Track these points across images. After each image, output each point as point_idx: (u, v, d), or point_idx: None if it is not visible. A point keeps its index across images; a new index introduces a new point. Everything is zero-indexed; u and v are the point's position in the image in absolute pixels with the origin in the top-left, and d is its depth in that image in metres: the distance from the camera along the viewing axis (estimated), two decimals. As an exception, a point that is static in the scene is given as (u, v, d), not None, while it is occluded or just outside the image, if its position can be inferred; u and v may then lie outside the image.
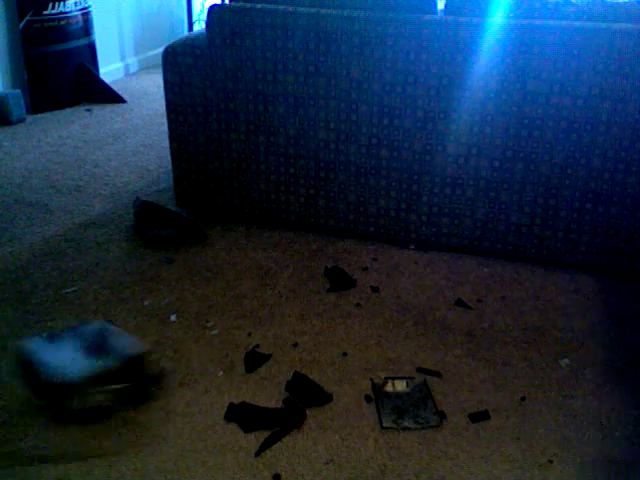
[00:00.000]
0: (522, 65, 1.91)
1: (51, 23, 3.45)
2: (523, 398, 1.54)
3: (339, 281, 2.01)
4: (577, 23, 1.89)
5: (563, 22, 1.90)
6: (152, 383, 1.53)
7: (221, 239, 2.25)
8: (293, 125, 2.16)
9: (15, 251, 2.14)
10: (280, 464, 1.32)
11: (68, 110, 3.60)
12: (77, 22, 3.61)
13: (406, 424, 1.43)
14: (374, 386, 1.54)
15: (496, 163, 2.04)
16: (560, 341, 1.76)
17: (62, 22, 3.51)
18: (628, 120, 1.89)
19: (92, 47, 3.81)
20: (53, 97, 3.58)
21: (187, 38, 2.28)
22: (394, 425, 1.43)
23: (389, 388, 1.53)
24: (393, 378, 1.57)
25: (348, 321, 1.82)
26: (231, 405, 1.47)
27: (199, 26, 4.93)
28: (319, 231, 2.31)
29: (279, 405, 1.48)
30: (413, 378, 1.58)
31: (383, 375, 1.59)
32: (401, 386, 1.54)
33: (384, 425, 1.43)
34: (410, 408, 1.48)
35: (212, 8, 2.12)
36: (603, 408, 1.51)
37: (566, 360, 1.68)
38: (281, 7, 2.06)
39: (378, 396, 1.51)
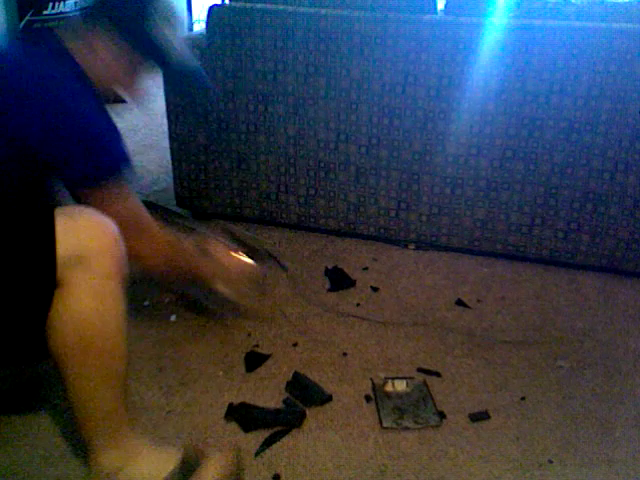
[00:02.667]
0: (522, 65, 1.91)
1: (51, 23, 3.45)
2: (523, 398, 1.54)
3: (339, 281, 2.01)
4: (577, 23, 1.89)
5: (563, 22, 1.90)
6: None
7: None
8: (293, 125, 2.16)
9: (15, 251, 2.13)
10: (280, 464, 1.32)
11: (68, 110, 3.59)
12: (77, 22, 3.61)
13: (406, 424, 1.43)
14: (374, 386, 1.54)
15: (496, 163, 2.04)
16: (560, 341, 1.76)
17: (62, 22, 3.50)
18: (628, 120, 1.89)
19: (92, 47, 3.80)
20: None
21: (187, 38, 2.28)
22: (394, 425, 1.43)
23: (389, 388, 1.53)
24: (393, 378, 1.56)
25: (348, 321, 1.81)
26: (231, 405, 1.47)
27: (199, 26, 4.93)
28: (319, 231, 2.31)
29: (279, 405, 1.48)
30: (413, 378, 1.58)
31: (383, 375, 1.59)
32: (401, 386, 1.54)
33: (384, 425, 1.43)
34: (410, 408, 1.48)
35: (212, 8, 2.12)
36: (603, 408, 1.51)
37: (566, 360, 1.68)
38: (281, 7, 2.06)
39: (378, 396, 1.51)
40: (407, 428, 1.42)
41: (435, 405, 1.49)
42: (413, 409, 1.48)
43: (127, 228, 1.19)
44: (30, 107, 1.15)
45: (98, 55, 1.27)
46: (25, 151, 1.16)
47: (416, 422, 1.44)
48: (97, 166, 1.22)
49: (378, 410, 1.47)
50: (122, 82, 1.34)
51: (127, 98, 1.39)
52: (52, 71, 1.20)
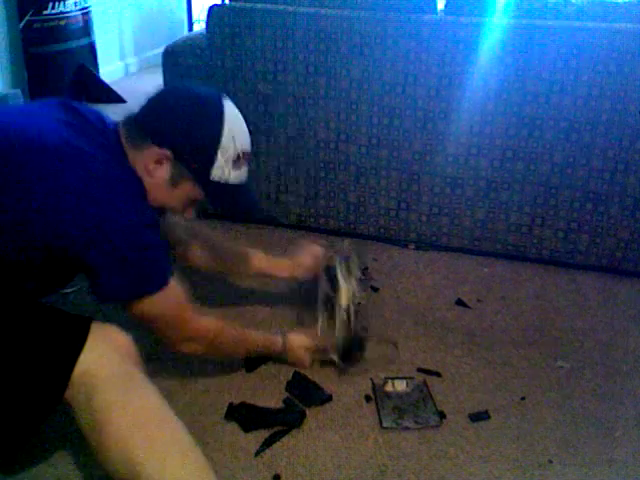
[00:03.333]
0: (522, 65, 1.91)
1: (51, 23, 3.45)
2: (523, 398, 1.54)
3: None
4: (577, 23, 1.89)
5: (563, 22, 1.90)
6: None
7: (221, 239, 2.25)
8: (293, 125, 2.16)
9: (15, 251, 2.13)
10: (280, 464, 1.32)
11: (68, 110, 3.58)
12: (77, 22, 3.61)
13: (406, 424, 1.43)
14: (374, 386, 1.54)
15: (496, 163, 2.04)
16: (560, 341, 1.76)
17: (62, 22, 3.50)
18: (628, 120, 1.89)
19: (92, 47, 3.80)
20: (53, 97, 3.57)
21: (187, 38, 2.28)
22: (394, 425, 1.43)
23: (389, 388, 1.53)
24: (393, 378, 1.56)
25: (348, 321, 1.81)
26: (231, 405, 1.47)
27: (199, 26, 4.93)
28: (319, 231, 2.31)
29: (279, 405, 1.48)
30: (413, 378, 1.57)
31: (383, 375, 1.59)
32: (401, 386, 1.54)
33: (384, 425, 1.43)
34: (410, 408, 1.48)
35: (212, 8, 2.12)
36: (603, 408, 1.51)
37: (566, 360, 1.68)
38: (281, 7, 2.06)
39: (378, 396, 1.51)
40: (407, 428, 1.42)
41: (435, 405, 1.49)
42: (413, 409, 1.48)
43: (160, 328, 1.24)
44: (84, 210, 1.10)
45: (153, 176, 1.23)
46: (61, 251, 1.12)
47: (416, 422, 1.44)
48: (130, 287, 1.18)
49: (378, 410, 1.47)
50: (172, 208, 1.32)
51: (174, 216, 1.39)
52: (118, 184, 1.15)
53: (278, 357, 1.58)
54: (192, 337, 1.33)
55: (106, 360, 1.10)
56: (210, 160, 1.24)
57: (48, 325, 1.14)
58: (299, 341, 1.57)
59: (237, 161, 1.29)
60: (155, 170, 1.23)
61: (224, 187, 1.29)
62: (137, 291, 1.18)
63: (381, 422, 1.44)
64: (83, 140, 1.16)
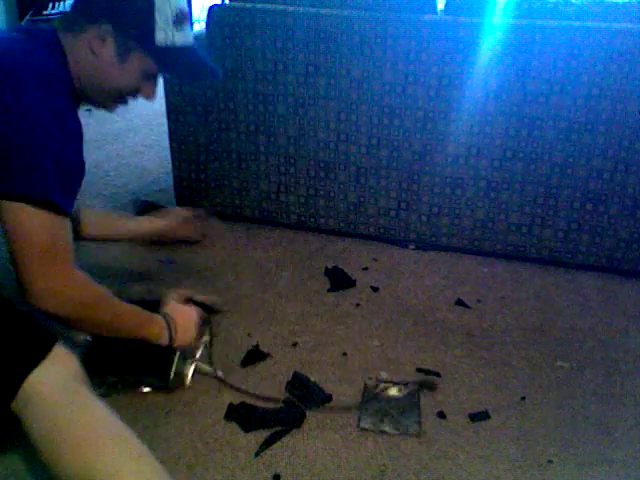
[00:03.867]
0: (522, 65, 1.91)
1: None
2: (523, 398, 1.54)
3: (339, 281, 2.00)
4: (577, 23, 1.89)
5: (563, 22, 1.90)
6: None
7: (221, 239, 2.25)
8: (293, 125, 2.16)
9: (15, 251, 2.13)
10: (280, 464, 1.32)
11: (68, 110, 3.58)
12: (77, 22, 3.61)
13: (384, 428, 1.41)
14: (365, 387, 1.53)
15: (496, 163, 2.04)
16: (560, 341, 1.76)
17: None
18: (628, 120, 1.89)
19: (92, 47, 3.80)
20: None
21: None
22: (371, 427, 1.41)
23: (379, 391, 1.51)
24: (388, 382, 1.54)
25: (348, 321, 1.81)
26: (231, 405, 1.47)
27: (199, 26, 4.92)
28: (319, 231, 2.31)
29: (279, 405, 1.48)
30: (407, 384, 1.54)
31: (385, 375, 1.58)
32: (392, 391, 1.51)
33: (361, 425, 1.41)
34: (394, 413, 1.45)
35: (212, 8, 2.12)
36: (603, 408, 1.51)
37: (566, 360, 1.68)
38: (281, 7, 2.06)
39: (365, 397, 1.49)
40: (384, 432, 1.40)
41: (420, 414, 1.45)
42: (396, 415, 1.45)
43: (29, 253, 1.10)
44: None
45: (100, 56, 1.23)
46: None
47: (396, 428, 1.42)
48: (17, 179, 1.08)
49: (360, 410, 1.45)
50: (128, 86, 1.28)
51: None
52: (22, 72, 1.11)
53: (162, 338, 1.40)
54: (62, 286, 1.16)
55: (57, 383, 1.10)
56: (149, 24, 1.23)
57: (12, 335, 1.13)
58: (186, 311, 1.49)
59: (177, 21, 1.27)
60: (100, 49, 1.23)
61: (173, 51, 1.27)
62: (29, 189, 1.08)
63: (359, 422, 1.42)
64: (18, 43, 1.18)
